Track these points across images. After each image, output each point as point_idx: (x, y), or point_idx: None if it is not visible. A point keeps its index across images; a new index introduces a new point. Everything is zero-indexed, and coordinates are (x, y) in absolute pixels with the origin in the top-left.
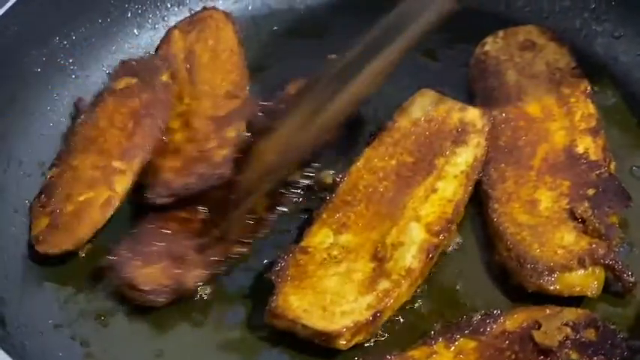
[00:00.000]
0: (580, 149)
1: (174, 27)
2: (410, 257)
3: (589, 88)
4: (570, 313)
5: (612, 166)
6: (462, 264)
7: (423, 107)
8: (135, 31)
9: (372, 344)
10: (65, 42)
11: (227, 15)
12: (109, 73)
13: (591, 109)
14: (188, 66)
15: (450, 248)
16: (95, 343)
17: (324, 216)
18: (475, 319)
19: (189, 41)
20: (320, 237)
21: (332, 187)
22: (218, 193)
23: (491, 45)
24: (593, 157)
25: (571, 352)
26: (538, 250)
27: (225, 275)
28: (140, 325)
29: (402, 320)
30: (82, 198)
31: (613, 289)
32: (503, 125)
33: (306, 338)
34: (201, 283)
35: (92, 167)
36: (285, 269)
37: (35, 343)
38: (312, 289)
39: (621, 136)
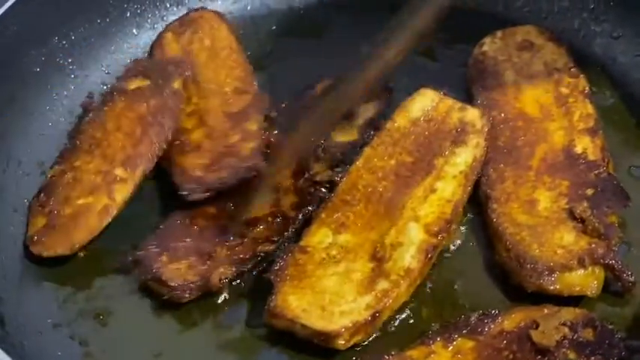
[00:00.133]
0: (578, 149)
1: (166, 30)
2: (409, 257)
3: (587, 88)
4: (568, 313)
5: (610, 166)
6: (461, 264)
7: (423, 107)
8: (134, 31)
9: (370, 344)
10: (64, 42)
11: (219, 14)
12: (107, 73)
13: (590, 109)
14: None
15: (449, 248)
16: (94, 342)
17: (323, 216)
18: (473, 318)
19: (182, 43)
20: (319, 237)
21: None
22: (245, 188)
23: (490, 45)
24: (591, 157)
25: (569, 351)
26: (537, 250)
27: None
28: (139, 324)
29: (400, 320)
30: (80, 202)
31: (612, 289)
32: (502, 125)
33: (304, 338)
34: (226, 280)
35: (94, 171)
36: (284, 269)
37: (34, 343)
38: (311, 288)
39: (619, 136)
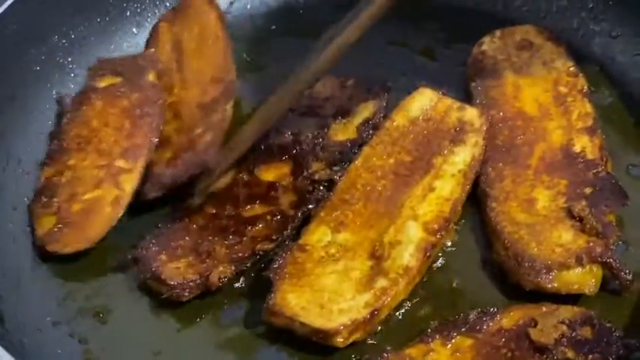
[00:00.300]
0: (577, 148)
1: (161, 20)
2: (407, 256)
3: (586, 87)
4: (566, 311)
5: (609, 165)
6: (459, 262)
7: (422, 106)
8: (134, 29)
9: (369, 342)
10: (64, 41)
11: (211, 2)
12: None
13: (588, 108)
14: (176, 56)
15: (448, 247)
16: (93, 340)
17: (322, 214)
18: (471, 317)
19: (175, 31)
20: (318, 235)
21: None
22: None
23: (489, 44)
24: (590, 156)
25: (567, 349)
26: (536, 249)
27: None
28: (138, 322)
29: (399, 318)
30: (87, 197)
31: (610, 287)
32: (500, 124)
33: (303, 336)
34: (226, 279)
35: (94, 167)
36: (283, 267)
37: (34, 340)
38: (310, 286)
39: (618, 135)
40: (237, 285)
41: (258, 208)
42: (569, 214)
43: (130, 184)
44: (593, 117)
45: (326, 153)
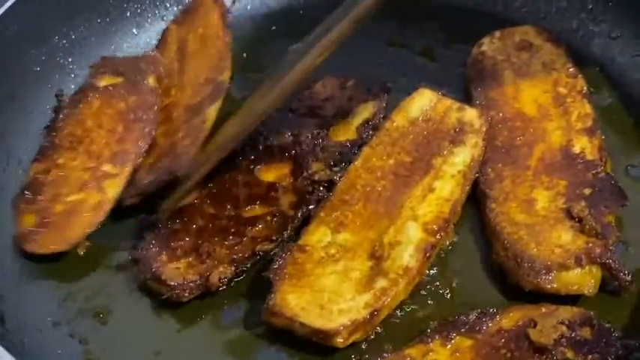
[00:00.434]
0: (576, 149)
1: (171, 22)
2: (407, 256)
3: (585, 88)
4: (566, 312)
5: (608, 165)
6: (459, 263)
7: (421, 107)
8: (134, 30)
9: (369, 342)
10: (64, 41)
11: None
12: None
13: (588, 109)
14: (179, 58)
15: (448, 247)
16: (94, 340)
17: (322, 215)
18: (471, 317)
19: (181, 33)
20: (318, 235)
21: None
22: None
23: (488, 45)
24: (589, 157)
25: (566, 350)
26: (535, 249)
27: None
28: (139, 323)
29: (398, 318)
30: (71, 199)
31: (609, 288)
32: (500, 125)
33: (303, 336)
34: (226, 279)
35: (81, 168)
36: (282, 267)
37: (34, 341)
38: (310, 287)
39: (617, 136)
40: (237, 285)
41: (258, 209)
42: (569, 214)
43: (113, 189)
44: (592, 118)
45: (326, 153)
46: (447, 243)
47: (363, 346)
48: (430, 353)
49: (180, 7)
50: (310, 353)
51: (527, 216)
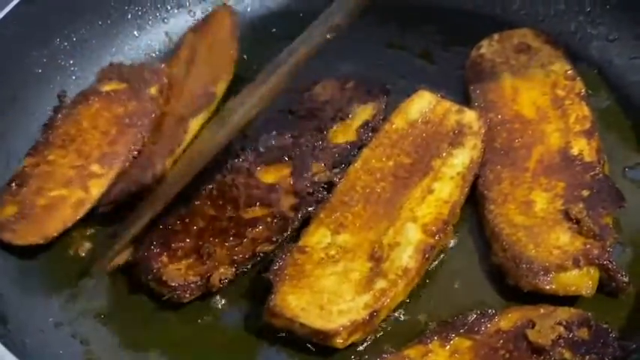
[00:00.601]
0: (575, 151)
1: (190, 28)
2: (406, 257)
3: (583, 90)
4: (564, 313)
5: (606, 167)
6: (458, 264)
7: (421, 109)
8: (135, 32)
9: (368, 343)
10: (66, 43)
11: (230, 11)
12: None
13: (586, 111)
14: (187, 65)
15: (447, 249)
16: (95, 341)
17: (322, 216)
18: (470, 318)
19: (195, 40)
20: (317, 237)
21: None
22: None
23: (487, 48)
24: (587, 159)
25: (564, 350)
26: (533, 251)
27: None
28: (140, 324)
29: (398, 319)
30: (53, 194)
31: (606, 289)
32: (498, 127)
33: (303, 337)
34: (226, 280)
35: (69, 166)
36: (283, 268)
37: (36, 341)
38: (310, 288)
39: (615, 138)
40: (237, 286)
41: (258, 210)
42: (567, 216)
43: (97, 189)
44: (590, 120)
45: (326, 155)
46: (446, 244)
47: (363, 347)
48: (429, 354)
49: (181, 9)
50: (310, 354)
51: (525, 217)
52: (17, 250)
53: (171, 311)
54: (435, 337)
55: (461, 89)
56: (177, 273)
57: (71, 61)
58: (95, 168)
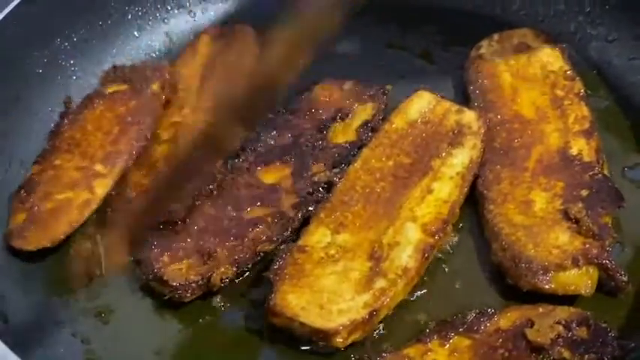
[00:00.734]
0: (574, 151)
1: (205, 31)
2: (406, 257)
3: (583, 90)
4: (563, 312)
5: (605, 167)
6: (457, 264)
7: (420, 109)
8: (135, 33)
9: (368, 342)
10: (66, 44)
11: (257, 37)
12: None
13: (585, 111)
14: (203, 75)
15: (446, 248)
16: (96, 340)
17: (322, 215)
18: (469, 317)
19: (214, 50)
20: (317, 236)
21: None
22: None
23: (487, 48)
24: (586, 159)
25: (563, 349)
26: (533, 250)
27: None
28: (140, 323)
29: (397, 318)
30: (61, 197)
31: (606, 289)
32: (498, 127)
33: (303, 336)
34: (227, 280)
35: (74, 168)
36: (283, 268)
37: (37, 340)
38: (310, 287)
39: (614, 138)
40: (238, 286)
41: (258, 210)
42: (566, 215)
43: (102, 188)
44: (589, 120)
45: (326, 155)
46: (446, 244)
47: (363, 346)
48: (429, 353)
49: (181, 9)
50: (310, 353)
51: (525, 217)
52: (24, 254)
53: (172, 311)
54: (435, 336)
55: (460, 89)
56: (178, 273)
57: (72, 62)
58: (99, 168)
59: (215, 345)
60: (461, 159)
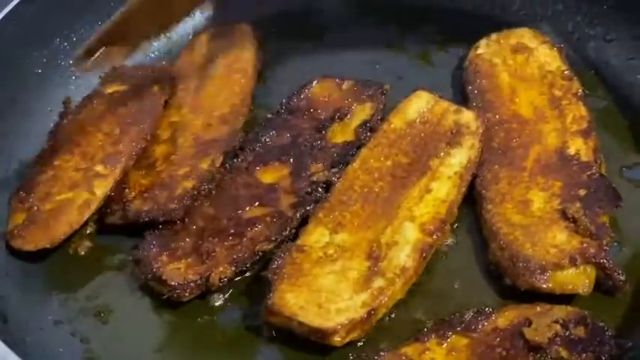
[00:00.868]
0: (571, 151)
1: (203, 32)
2: (404, 256)
3: (581, 90)
4: (560, 311)
5: (602, 167)
6: (455, 263)
7: (418, 109)
8: None
9: (366, 341)
10: (65, 44)
11: (255, 35)
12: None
13: (583, 111)
14: (201, 75)
15: (444, 248)
16: (95, 339)
17: (320, 215)
18: (467, 316)
19: (210, 48)
20: (316, 236)
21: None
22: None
23: (485, 48)
24: (584, 159)
25: (561, 348)
26: (530, 250)
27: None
28: (139, 322)
29: (395, 318)
30: (60, 197)
31: (603, 288)
32: (496, 127)
33: (302, 335)
34: (226, 279)
35: (74, 169)
36: (281, 267)
37: (36, 339)
38: (308, 286)
39: (612, 137)
40: (237, 285)
41: (257, 210)
42: (564, 215)
43: (102, 189)
44: (587, 120)
45: (324, 155)
46: (444, 243)
47: (361, 345)
48: (426, 352)
49: None
50: (308, 352)
51: (522, 217)
52: (24, 254)
53: (171, 310)
54: (433, 335)
55: (459, 89)
56: (176, 272)
57: (71, 62)
58: (99, 168)
59: (214, 344)
60: (459, 159)
